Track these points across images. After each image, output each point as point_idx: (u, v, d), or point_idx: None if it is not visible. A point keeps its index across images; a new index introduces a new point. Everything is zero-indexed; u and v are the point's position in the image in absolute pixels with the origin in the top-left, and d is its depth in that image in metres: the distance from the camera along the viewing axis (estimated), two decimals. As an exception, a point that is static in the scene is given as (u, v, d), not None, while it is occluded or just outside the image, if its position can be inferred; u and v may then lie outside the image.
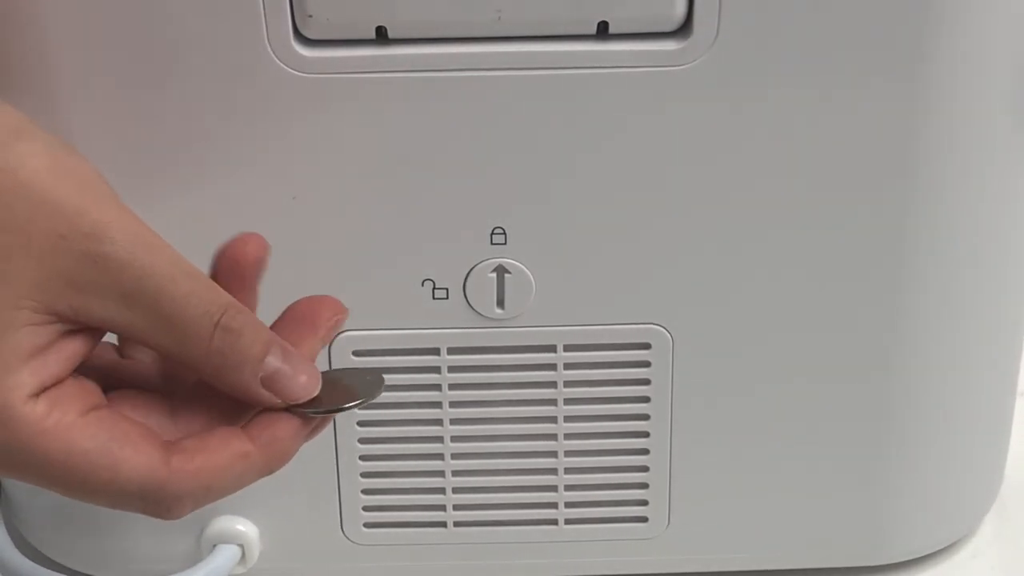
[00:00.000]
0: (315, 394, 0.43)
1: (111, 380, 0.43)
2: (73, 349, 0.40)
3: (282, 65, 0.47)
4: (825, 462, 0.56)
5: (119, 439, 0.40)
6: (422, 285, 0.51)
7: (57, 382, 0.40)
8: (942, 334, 0.54)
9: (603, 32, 0.47)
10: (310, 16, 0.46)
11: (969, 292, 0.53)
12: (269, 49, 0.46)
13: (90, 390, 0.41)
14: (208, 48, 0.46)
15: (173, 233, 0.50)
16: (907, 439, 0.56)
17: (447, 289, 0.51)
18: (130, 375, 0.44)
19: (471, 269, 0.51)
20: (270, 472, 0.43)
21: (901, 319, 0.53)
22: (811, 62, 0.47)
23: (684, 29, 0.47)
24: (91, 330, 0.41)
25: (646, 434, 0.55)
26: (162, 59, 0.46)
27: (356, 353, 0.53)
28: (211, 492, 0.41)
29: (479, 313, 0.52)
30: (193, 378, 0.44)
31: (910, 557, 0.60)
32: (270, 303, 0.52)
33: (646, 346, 0.53)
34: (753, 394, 0.54)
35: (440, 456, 0.55)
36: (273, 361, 0.42)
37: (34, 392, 0.39)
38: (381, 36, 0.47)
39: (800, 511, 0.57)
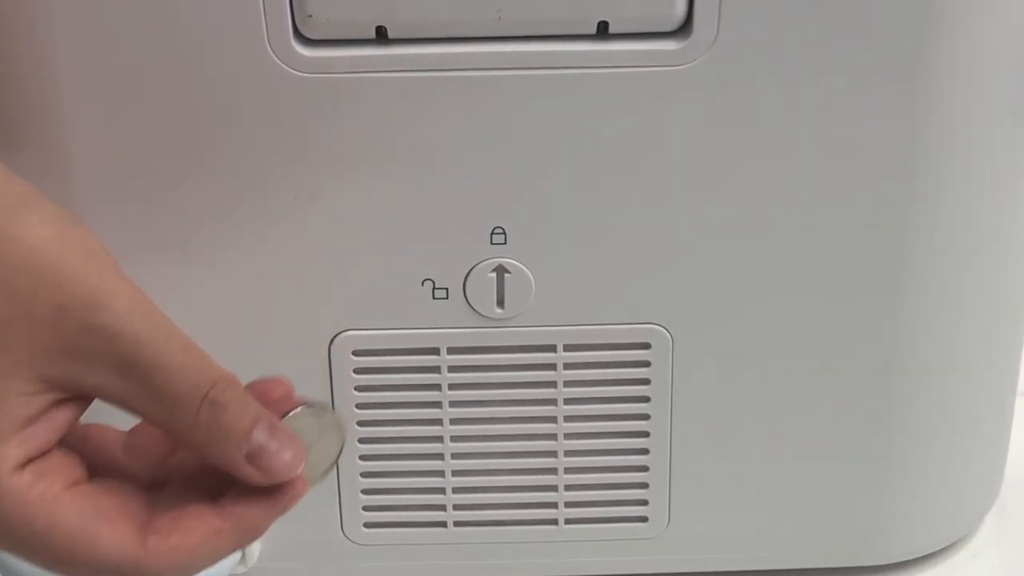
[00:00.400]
0: (298, 472, 0.42)
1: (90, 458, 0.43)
2: (62, 419, 0.41)
3: (282, 65, 0.47)
4: (825, 462, 0.56)
5: (100, 516, 0.40)
6: (422, 285, 0.51)
7: (43, 453, 0.40)
8: (942, 334, 0.54)
9: (603, 32, 0.47)
10: (310, 16, 0.46)
11: (969, 292, 0.53)
12: (269, 49, 0.46)
13: (73, 464, 0.41)
14: (208, 48, 0.46)
15: (172, 234, 0.50)
16: (907, 439, 0.56)
17: (447, 289, 0.51)
18: (106, 454, 0.44)
19: (471, 269, 0.51)
20: (242, 547, 0.43)
21: (901, 319, 0.53)
22: (811, 62, 0.47)
23: (684, 29, 0.47)
24: (81, 398, 0.41)
25: (646, 434, 0.55)
26: (162, 59, 0.46)
27: (356, 353, 0.53)
28: (185, 569, 0.42)
29: (479, 313, 0.52)
30: (175, 460, 0.44)
31: (910, 557, 0.60)
32: (267, 303, 0.52)
33: (646, 346, 0.53)
34: (753, 394, 0.54)
35: (440, 456, 0.55)
36: (259, 437, 0.41)
37: (20, 463, 0.39)
38: (381, 36, 0.47)
39: (800, 511, 0.57)
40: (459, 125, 0.48)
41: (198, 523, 0.41)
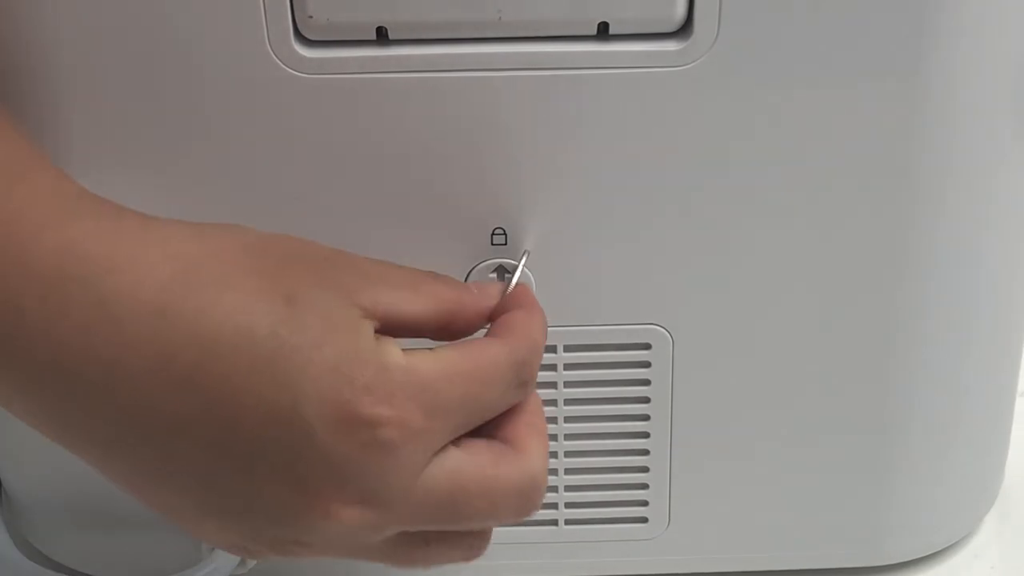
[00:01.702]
0: None
1: None
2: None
3: (282, 65, 0.47)
4: (825, 462, 0.56)
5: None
6: (422, 285, 0.51)
7: None
8: (942, 334, 0.54)
9: (603, 33, 0.47)
10: (310, 16, 0.46)
11: (969, 292, 0.54)
12: (269, 49, 0.46)
13: None
14: (208, 48, 0.46)
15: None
16: (907, 439, 0.56)
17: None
18: None
19: (471, 269, 0.51)
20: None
21: (901, 319, 0.53)
22: (811, 62, 0.47)
23: (684, 30, 0.47)
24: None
25: (646, 434, 0.55)
26: (162, 59, 0.46)
27: (356, 353, 0.53)
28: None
29: (479, 313, 0.52)
30: None
31: (910, 557, 0.60)
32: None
33: (646, 346, 0.53)
34: (753, 394, 0.54)
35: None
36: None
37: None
38: (381, 36, 0.47)
39: (800, 511, 0.57)
40: (459, 125, 0.48)
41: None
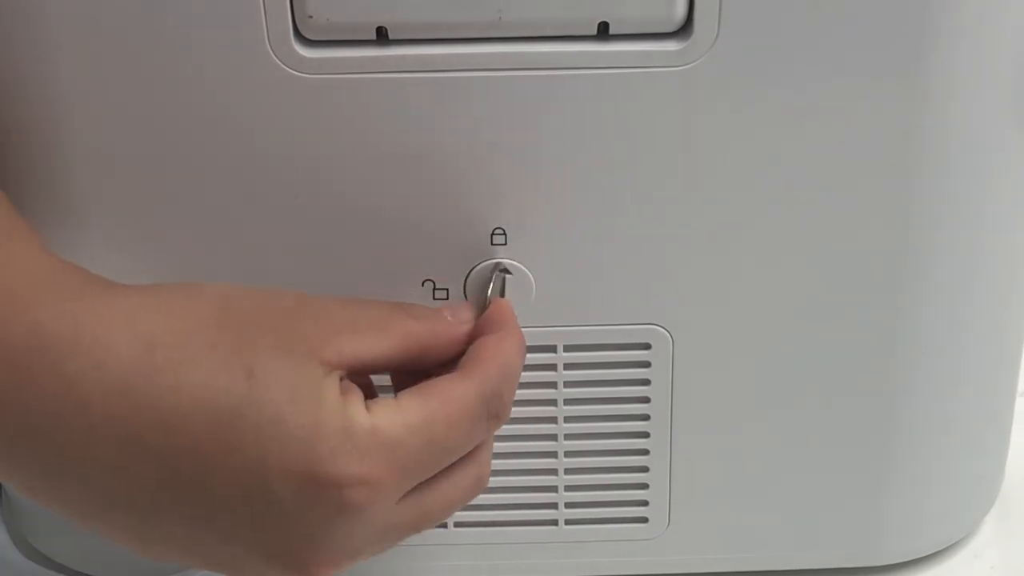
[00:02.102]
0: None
1: None
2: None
3: (282, 65, 0.47)
4: (825, 462, 0.56)
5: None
6: (422, 285, 0.51)
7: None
8: (942, 334, 0.54)
9: (603, 33, 0.47)
10: (310, 16, 0.46)
11: (969, 293, 0.53)
12: (269, 49, 0.46)
13: None
14: (208, 48, 0.46)
15: (174, 232, 0.50)
16: (907, 439, 0.56)
17: (447, 289, 0.51)
18: None
19: (471, 269, 0.51)
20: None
21: (901, 319, 0.53)
22: (811, 62, 0.47)
23: (684, 30, 0.47)
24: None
25: (646, 434, 0.55)
26: (162, 59, 0.46)
27: (356, 353, 0.53)
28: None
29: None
30: None
31: (910, 557, 0.60)
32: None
33: (646, 346, 0.53)
34: (753, 394, 0.54)
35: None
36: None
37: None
38: (381, 36, 0.47)
39: (800, 511, 0.57)
40: (459, 125, 0.48)
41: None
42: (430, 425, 0.44)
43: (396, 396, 0.44)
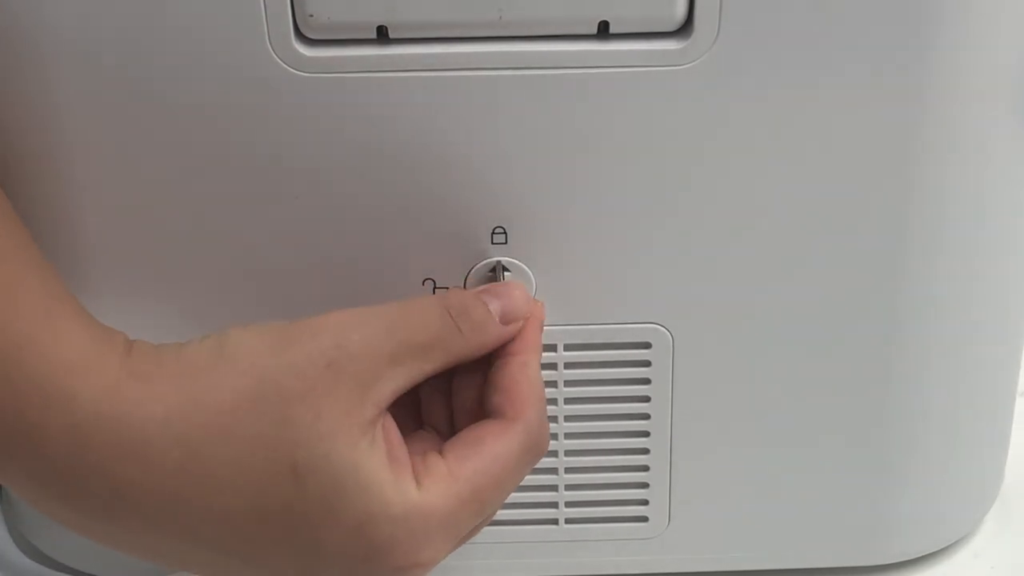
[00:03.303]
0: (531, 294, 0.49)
1: None
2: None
3: (283, 64, 0.47)
4: (825, 462, 0.56)
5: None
6: (422, 285, 0.51)
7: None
8: (943, 334, 0.54)
9: (604, 32, 0.47)
10: (311, 15, 0.46)
11: (969, 292, 0.54)
12: (270, 48, 0.46)
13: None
14: (209, 47, 0.46)
15: (174, 231, 0.50)
16: (907, 439, 0.56)
17: (447, 289, 0.51)
18: None
19: (471, 269, 0.51)
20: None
21: (901, 318, 0.53)
22: (811, 61, 0.47)
23: (685, 29, 0.47)
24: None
25: (646, 434, 0.55)
26: (163, 58, 0.46)
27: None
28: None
29: (479, 313, 0.52)
30: None
31: (910, 557, 0.60)
32: (270, 303, 0.52)
33: (646, 346, 0.53)
34: (753, 394, 0.54)
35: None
36: (493, 303, 0.47)
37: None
38: (382, 36, 0.47)
39: (800, 511, 0.57)
40: (459, 125, 0.48)
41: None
42: (480, 492, 0.45)
43: (443, 456, 0.45)
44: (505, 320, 0.47)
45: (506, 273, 0.51)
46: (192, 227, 0.50)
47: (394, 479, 0.43)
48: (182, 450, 0.42)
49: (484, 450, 0.45)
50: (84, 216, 0.50)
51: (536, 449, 0.47)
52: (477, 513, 0.45)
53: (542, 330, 0.49)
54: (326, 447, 0.42)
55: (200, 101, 0.47)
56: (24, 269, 0.42)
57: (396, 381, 0.44)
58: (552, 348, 0.53)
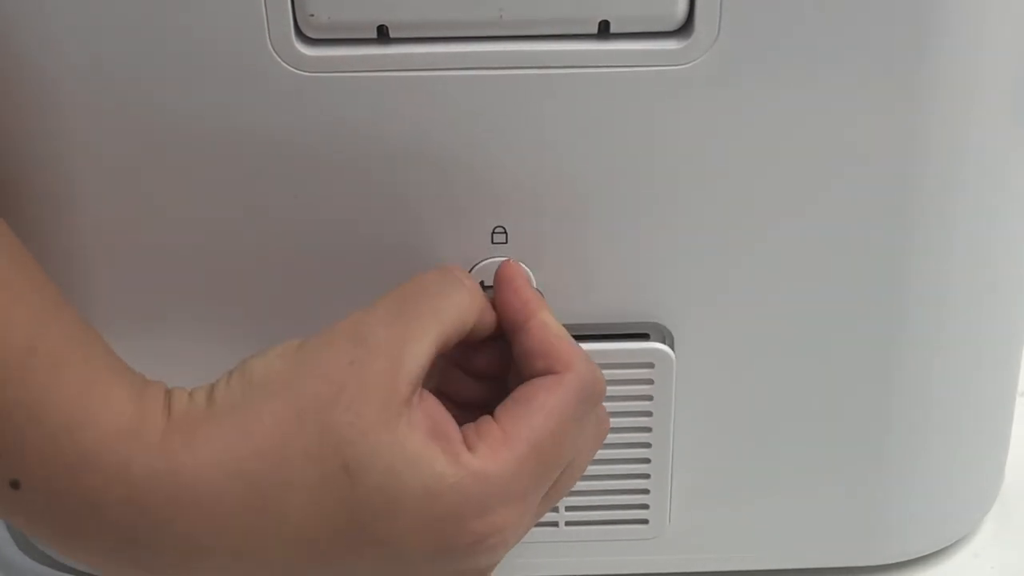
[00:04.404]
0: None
1: None
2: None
3: (283, 64, 0.47)
4: (825, 462, 0.56)
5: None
6: (423, 285, 0.51)
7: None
8: (943, 334, 0.54)
9: (604, 32, 0.47)
10: (311, 15, 0.46)
11: (969, 292, 0.54)
12: (270, 47, 0.46)
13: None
14: (209, 46, 0.46)
15: (174, 230, 0.50)
16: (907, 439, 0.56)
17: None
18: None
19: (471, 269, 0.51)
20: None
21: (901, 319, 0.53)
22: (812, 61, 0.47)
23: (685, 28, 0.47)
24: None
25: (648, 431, 0.55)
26: (163, 57, 0.46)
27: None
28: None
29: (480, 312, 0.52)
30: None
31: (910, 557, 0.60)
32: (269, 301, 0.52)
33: (648, 345, 0.53)
34: (754, 394, 0.54)
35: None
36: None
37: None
38: (382, 35, 0.47)
39: (800, 511, 0.57)
40: (459, 124, 0.48)
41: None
42: (538, 449, 0.44)
43: (495, 418, 0.45)
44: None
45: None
46: (191, 226, 0.50)
47: (443, 451, 0.43)
48: (239, 484, 0.42)
49: (535, 405, 0.45)
50: (83, 214, 0.50)
51: (592, 392, 0.47)
52: (541, 470, 0.45)
53: (531, 284, 0.49)
54: (371, 442, 0.42)
55: (200, 100, 0.47)
56: (63, 342, 0.43)
57: (421, 356, 0.44)
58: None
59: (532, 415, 0.45)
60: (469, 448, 0.44)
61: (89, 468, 0.41)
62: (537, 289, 0.51)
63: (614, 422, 0.54)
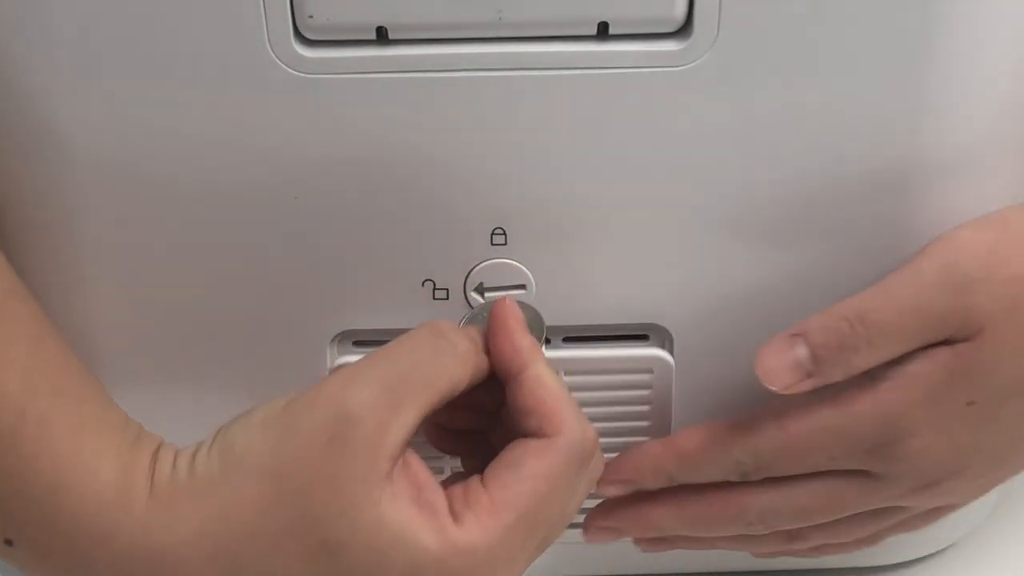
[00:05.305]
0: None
1: None
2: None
3: (282, 65, 0.47)
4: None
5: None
6: (422, 285, 0.51)
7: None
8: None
9: (603, 32, 0.47)
10: (310, 17, 0.46)
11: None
12: (269, 49, 0.46)
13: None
14: (208, 48, 0.46)
15: (174, 232, 0.50)
16: (907, 439, 0.56)
17: (447, 289, 0.51)
18: None
19: (471, 269, 0.51)
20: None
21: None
22: (811, 62, 0.47)
23: (684, 29, 0.47)
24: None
25: (647, 432, 0.55)
26: (162, 59, 0.46)
27: (356, 353, 0.53)
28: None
29: (479, 313, 0.52)
30: None
31: (909, 558, 0.60)
32: (268, 302, 0.52)
33: (647, 345, 0.53)
34: (754, 394, 0.54)
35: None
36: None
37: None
38: (381, 36, 0.47)
39: (800, 511, 0.57)
40: (459, 125, 0.48)
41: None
42: (527, 516, 0.44)
43: (484, 485, 0.44)
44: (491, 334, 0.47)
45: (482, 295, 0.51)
46: (189, 228, 0.50)
47: (427, 522, 0.43)
48: (218, 564, 0.42)
49: (524, 472, 0.44)
50: (80, 215, 0.50)
51: (583, 456, 0.46)
52: (530, 535, 0.44)
53: (527, 329, 0.48)
54: (350, 519, 0.42)
55: (199, 102, 0.47)
56: (52, 401, 0.43)
57: (404, 428, 0.43)
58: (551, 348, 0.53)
59: (521, 483, 0.44)
60: (455, 517, 0.43)
61: (78, 532, 0.42)
62: (535, 330, 0.50)
63: (612, 428, 0.54)
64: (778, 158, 0.49)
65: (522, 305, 0.49)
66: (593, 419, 0.53)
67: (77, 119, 0.48)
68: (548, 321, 0.52)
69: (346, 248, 0.51)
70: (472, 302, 0.51)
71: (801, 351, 0.48)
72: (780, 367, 0.48)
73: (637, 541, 0.55)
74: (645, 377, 0.53)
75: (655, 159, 0.49)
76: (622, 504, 0.54)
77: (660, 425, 0.54)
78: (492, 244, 0.51)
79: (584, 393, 0.53)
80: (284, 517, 0.42)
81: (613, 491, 0.53)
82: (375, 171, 0.49)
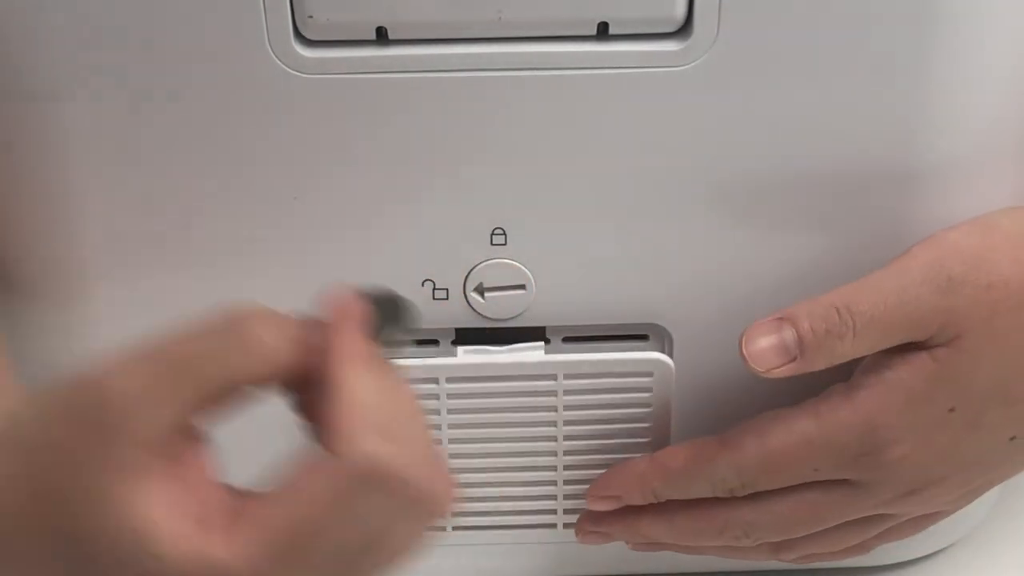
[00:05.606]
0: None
1: None
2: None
3: (282, 66, 0.47)
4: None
5: None
6: (422, 285, 0.51)
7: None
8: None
9: (603, 33, 0.47)
10: (310, 17, 0.46)
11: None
12: (269, 49, 0.46)
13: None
14: (208, 48, 0.46)
15: (170, 231, 0.50)
16: (907, 439, 0.56)
17: (447, 289, 0.51)
18: None
19: (471, 269, 0.51)
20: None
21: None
22: (811, 62, 0.47)
23: (684, 29, 0.47)
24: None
25: (646, 440, 0.55)
26: (162, 59, 0.46)
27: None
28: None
29: (479, 313, 0.52)
30: None
31: (909, 558, 0.60)
32: (268, 302, 0.52)
33: (647, 345, 0.53)
34: (754, 394, 0.54)
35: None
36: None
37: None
38: (381, 37, 0.47)
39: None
40: (459, 125, 0.48)
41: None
42: (294, 542, 0.38)
43: (259, 498, 0.39)
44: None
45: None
46: (190, 227, 0.50)
47: (179, 528, 0.38)
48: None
49: (293, 487, 0.38)
50: (82, 213, 0.50)
51: (372, 483, 0.38)
52: (294, 563, 0.38)
53: (362, 327, 0.41)
54: (94, 508, 0.38)
55: (199, 102, 0.47)
56: None
57: (160, 418, 0.38)
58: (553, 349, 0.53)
59: (284, 499, 0.38)
60: (224, 529, 0.38)
61: None
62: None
63: (613, 430, 0.54)
64: (778, 158, 0.49)
65: (385, 300, 0.42)
66: (594, 422, 0.54)
67: (76, 118, 0.48)
68: (548, 321, 0.52)
69: (345, 248, 0.51)
70: (472, 302, 0.51)
71: (788, 334, 0.48)
72: (766, 349, 0.48)
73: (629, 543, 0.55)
74: (645, 380, 0.53)
75: (655, 159, 0.49)
76: (611, 514, 0.54)
77: (660, 427, 0.54)
78: (492, 244, 0.51)
79: (584, 396, 0.53)
80: (26, 491, 0.39)
81: (600, 506, 0.53)
82: (375, 170, 0.49)
